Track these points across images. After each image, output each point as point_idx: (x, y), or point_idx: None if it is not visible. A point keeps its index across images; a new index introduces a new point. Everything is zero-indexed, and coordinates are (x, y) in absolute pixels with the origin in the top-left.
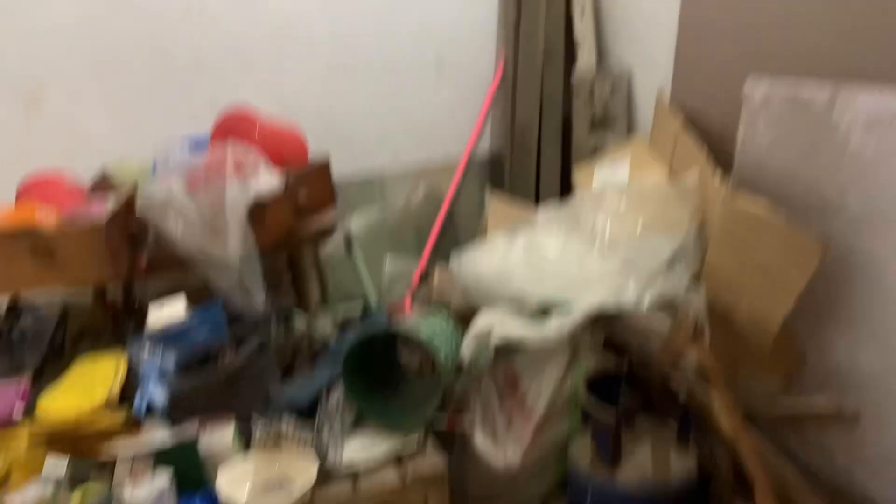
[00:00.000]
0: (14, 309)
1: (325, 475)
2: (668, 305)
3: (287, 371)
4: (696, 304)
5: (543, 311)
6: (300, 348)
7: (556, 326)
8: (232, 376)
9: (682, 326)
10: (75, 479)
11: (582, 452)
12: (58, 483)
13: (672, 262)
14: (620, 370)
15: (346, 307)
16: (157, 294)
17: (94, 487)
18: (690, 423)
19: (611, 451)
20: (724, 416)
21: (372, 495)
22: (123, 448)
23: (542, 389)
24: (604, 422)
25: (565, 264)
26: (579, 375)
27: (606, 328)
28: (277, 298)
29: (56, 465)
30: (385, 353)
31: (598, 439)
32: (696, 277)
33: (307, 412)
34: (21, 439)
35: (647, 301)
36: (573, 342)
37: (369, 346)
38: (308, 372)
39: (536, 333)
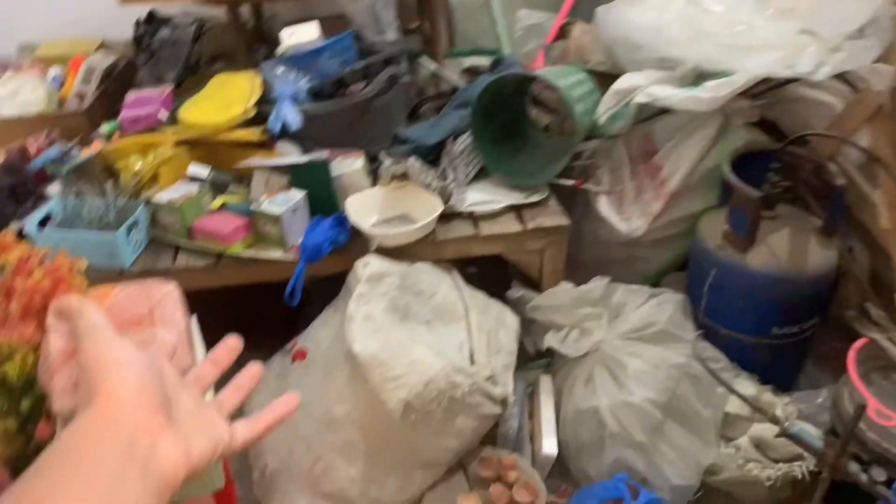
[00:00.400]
0: (153, 21)
1: (448, 215)
2: (848, 80)
3: (412, 114)
4: (882, 80)
5: (697, 79)
6: (426, 92)
7: (711, 88)
8: (363, 106)
9: (861, 104)
10: (216, 186)
11: (712, 230)
12: (201, 185)
13: (861, 32)
14: (772, 149)
15: (475, 58)
16: (289, 22)
17: (234, 195)
18: (841, 213)
19: (746, 232)
20: (884, 209)
21: (491, 237)
22: (259, 162)
23: (680, 161)
24: (744, 200)
25: (731, 25)
26: (724, 150)
27: (767, 101)
28: (408, 37)
29: (199, 170)
30: (515, 107)
31: (733, 218)
32: (888, 52)
33: (432, 156)
34: (167, 142)
35: (825, 70)
36: (725, 111)
37: (500, 96)
38: (434, 117)
39: (688, 95)
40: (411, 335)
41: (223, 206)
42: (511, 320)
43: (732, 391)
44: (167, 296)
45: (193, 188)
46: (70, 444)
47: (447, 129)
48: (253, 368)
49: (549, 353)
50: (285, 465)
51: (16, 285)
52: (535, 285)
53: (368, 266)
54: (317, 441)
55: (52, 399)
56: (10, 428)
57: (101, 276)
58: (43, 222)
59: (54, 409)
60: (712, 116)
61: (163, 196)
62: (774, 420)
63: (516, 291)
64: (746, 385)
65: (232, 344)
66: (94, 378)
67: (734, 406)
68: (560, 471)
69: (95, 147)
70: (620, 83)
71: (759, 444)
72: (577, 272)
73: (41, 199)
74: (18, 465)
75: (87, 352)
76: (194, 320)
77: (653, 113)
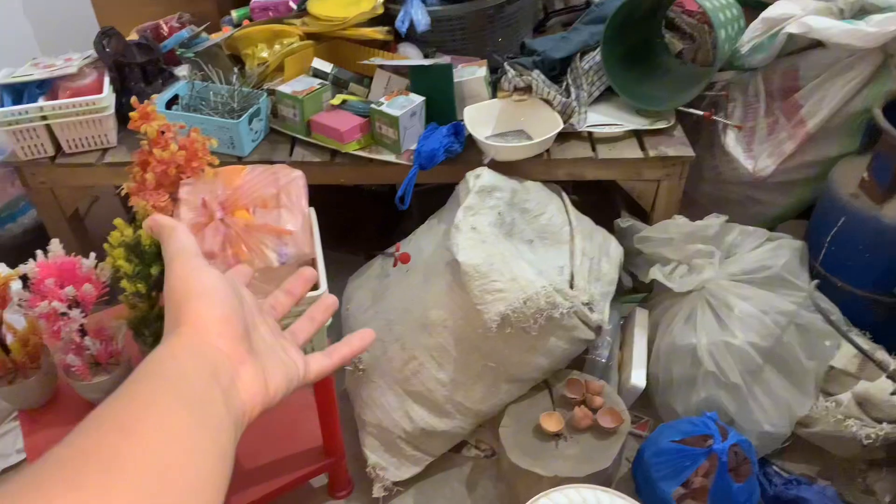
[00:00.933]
0: None
1: (565, 134)
2: None
3: (539, 26)
4: None
5: (860, 12)
6: (555, 5)
7: (878, 23)
8: (491, 12)
9: None
10: (337, 83)
11: (847, 177)
12: (323, 81)
13: None
14: None
15: None
16: None
17: (353, 94)
18: None
19: (889, 182)
20: None
21: (608, 162)
22: (383, 61)
23: (824, 100)
24: (894, 148)
25: None
26: (877, 92)
27: None
28: None
29: (323, 65)
30: (649, 29)
31: (877, 166)
32: None
33: (556, 72)
34: (294, 34)
35: None
36: (887, 50)
37: (635, 15)
38: (560, 31)
39: (848, 28)
40: (515, 251)
41: (342, 104)
42: (615, 250)
43: (853, 343)
44: (293, 182)
45: (315, 83)
46: (160, 365)
47: (576, 45)
48: (327, 300)
49: (645, 288)
50: (378, 361)
51: (153, 155)
52: (644, 216)
53: (480, 178)
54: (411, 342)
55: None
56: (140, 290)
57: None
58: (169, 103)
59: None
60: (870, 54)
61: (286, 87)
62: (894, 376)
63: (625, 220)
64: (859, 342)
65: (307, 275)
66: (181, 304)
67: (840, 361)
68: (642, 403)
69: (224, 32)
70: (771, 10)
71: (862, 402)
72: (689, 209)
73: (170, 79)
74: (139, 327)
75: (174, 276)
76: (313, 211)
77: (800, 47)
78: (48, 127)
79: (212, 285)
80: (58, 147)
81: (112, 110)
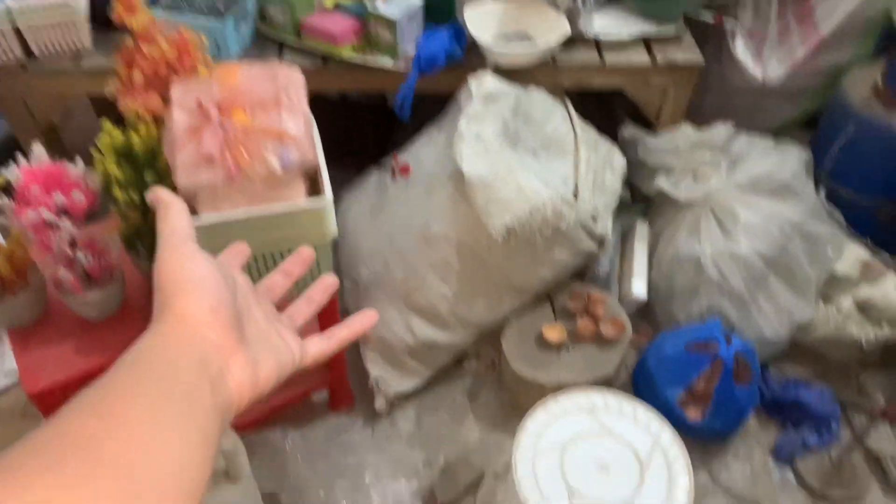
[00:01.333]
0: None
1: (571, 39)
2: None
3: None
4: None
5: None
6: None
7: None
8: None
9: None
10: None
11: (859, 84)
12: None
13: None
14: None
15: None
16: None
17: None
18: None
19: None
20: None
21: (616, 69)
22: None
23: (839, 5)
24: None
25: None
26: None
27: None
28: None
29: None
30: None
31: (890, 73)
32: None
33: None
34: None
35: None
36: None
37: None
38: None
39: None
40: (520, 161)
41: (336, 7)
42: (618, 161)
43: (865, 245)
44: (292, 83)
45: None
46: (147, 353)
47: None
48: (326, 280)
49: (644, 201)
50: (379, 276)
51: (143, 51)
52: (648, 126)
53: (484, 84)
54: (413, 256)
55: (175, 173)
56: (134, 200)
57: None
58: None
59: (178, 183)
60: None
61: None
62: None
63: (630, 130)
64: (862, 247)
65: (305, 255)
66: (171, 293)
67: (843, 267)
68: (641, 313)
69: None
70: None
71: (863, 306)
72: (692, 119)
73: None
74: (132, 240)
75: (163, 262)
76: (312, 117)
77: None
78: (17, 30)
79: (202, 275)
80: (28, 52)
81: (85, 10)
